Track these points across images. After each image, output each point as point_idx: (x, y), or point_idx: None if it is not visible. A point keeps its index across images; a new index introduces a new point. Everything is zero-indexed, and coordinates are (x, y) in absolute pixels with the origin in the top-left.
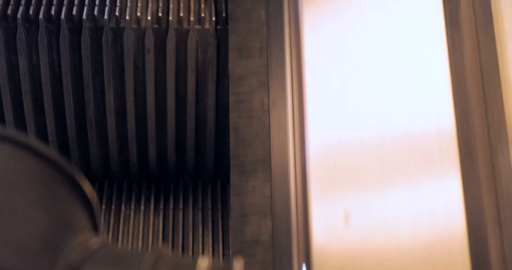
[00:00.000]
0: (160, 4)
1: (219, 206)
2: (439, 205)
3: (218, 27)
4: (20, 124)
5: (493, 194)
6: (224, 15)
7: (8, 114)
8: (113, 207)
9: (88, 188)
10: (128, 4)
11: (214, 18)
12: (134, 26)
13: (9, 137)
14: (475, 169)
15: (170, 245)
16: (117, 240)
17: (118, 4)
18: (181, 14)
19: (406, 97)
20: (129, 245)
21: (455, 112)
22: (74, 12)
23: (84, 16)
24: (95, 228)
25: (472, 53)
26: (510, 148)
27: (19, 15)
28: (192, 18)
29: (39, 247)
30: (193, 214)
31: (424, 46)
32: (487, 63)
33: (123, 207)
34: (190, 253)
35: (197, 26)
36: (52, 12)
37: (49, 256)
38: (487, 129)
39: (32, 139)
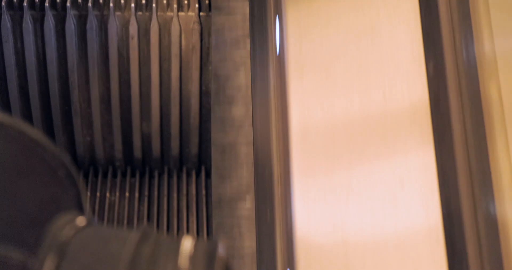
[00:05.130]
0: None
1: (204, 192)
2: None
3: (201, 13)
4: (5, 110)
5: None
6: (207, 2)
7: None
8: (98, 194)
9: (73, 168)
10: None
11: (197, 5)
12: (118, 13)
13: None
14: (449, 143)
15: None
16: None
17: None
18: (164, 1)
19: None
20: None
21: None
22: None
23: (68, 3)
24: (81, 207)
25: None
26: (485, 124)
27: (3, 3)
28: (175, 5)
29: (25, 224)
30: (178, 201)
31: None
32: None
33: (108, 194)
34: None
35: (180, 13)
36: None
37: (35, 233)
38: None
39: (17, 120)
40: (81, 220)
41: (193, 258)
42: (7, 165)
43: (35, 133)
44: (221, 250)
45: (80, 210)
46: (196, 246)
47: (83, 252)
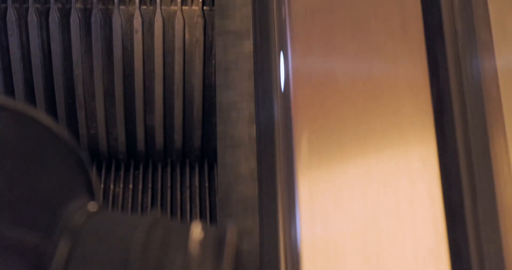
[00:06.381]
0: None
1: (206, 184)
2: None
3: (205, 7)
4: None
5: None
6: None
7: None
8: (102, 186)
9: (84, 155)
10: None
11: None
12: (123, 7)
13: (8, 105)
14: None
15: None
16: None
17: None
18: None
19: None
20: None
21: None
22: None
23: None
24: (92, 194)
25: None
26: (485, 109)
27: None
28: None
29: (38, 209)
30: (181, 193)
31: None
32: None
33: (112, 186)
34: None
35: (184, 7)
36: None
37: (48, 219)
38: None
39: (30, 107)
40: (92, 206)
41: (203, 242)
42: (19, 151)
43: (48, 120)
44: (230, 235)
45: (91, 196)
46: (206, 232)
47: (95, 237)
